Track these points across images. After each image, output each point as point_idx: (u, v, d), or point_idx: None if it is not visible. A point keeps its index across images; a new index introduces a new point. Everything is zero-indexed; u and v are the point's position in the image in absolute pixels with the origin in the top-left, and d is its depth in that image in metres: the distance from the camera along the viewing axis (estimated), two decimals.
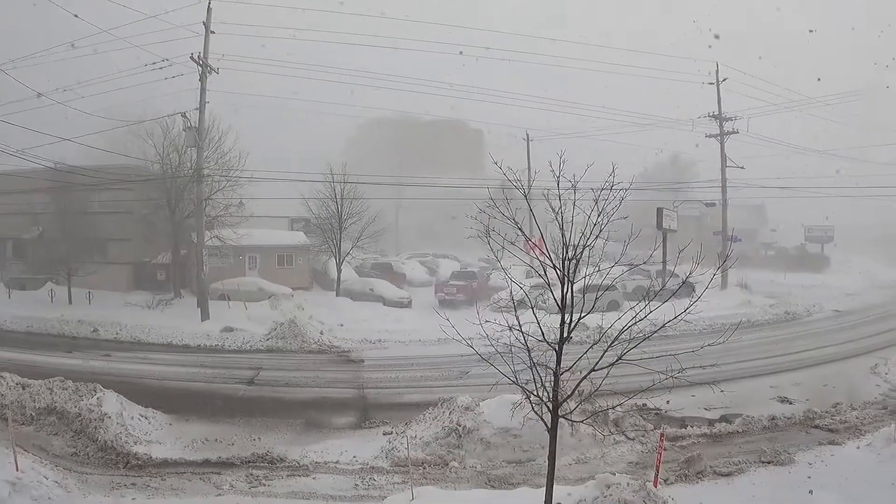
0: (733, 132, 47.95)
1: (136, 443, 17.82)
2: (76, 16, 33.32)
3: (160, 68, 35.16)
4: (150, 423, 19.07)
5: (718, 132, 48.39)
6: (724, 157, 48.77)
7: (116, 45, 35.19)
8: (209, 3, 34.97)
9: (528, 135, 54.60)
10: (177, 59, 34.94)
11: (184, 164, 39.57)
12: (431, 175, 59.38)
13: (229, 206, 40.46)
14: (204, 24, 35.18)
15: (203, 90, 35.65)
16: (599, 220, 10.68)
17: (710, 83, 48.15)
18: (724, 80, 47.83)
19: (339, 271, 43.72)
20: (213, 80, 36.01)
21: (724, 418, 20.00)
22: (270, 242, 47.27)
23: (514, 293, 11.85)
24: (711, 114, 48.24)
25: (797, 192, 49.88)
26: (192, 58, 34.91)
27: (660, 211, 43.34)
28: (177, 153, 39.87)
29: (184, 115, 35.91)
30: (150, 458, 17.08)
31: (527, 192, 11.39)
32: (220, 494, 15.19)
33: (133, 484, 15.66)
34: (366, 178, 43.69)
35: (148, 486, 15.61)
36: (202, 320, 35.03)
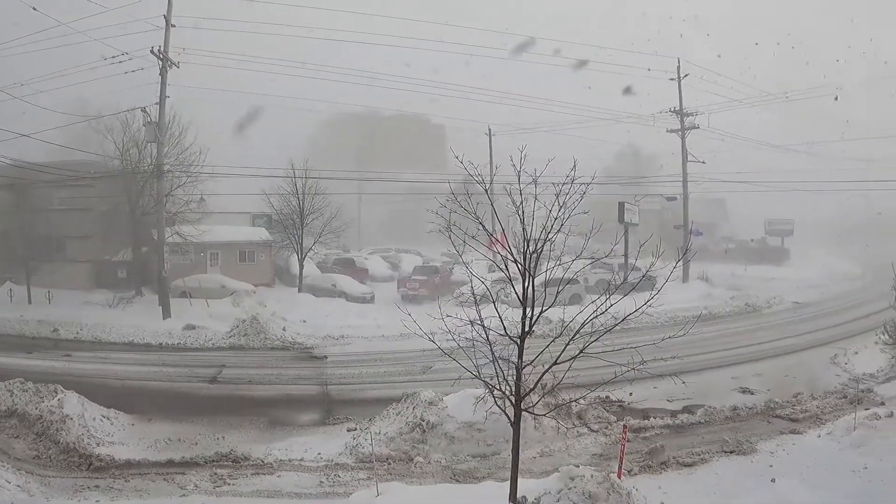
0: (694, 127, 48.54)
1: (98, 444, 17.54)
2: (34, 8, 32.76)
3: (120, 62, 34.77)
4: (112, 424, 18.78)
5: (679, 127, 48.91)
6: (685, 152, 49.34)
7: (75, 38, 34.57)
8: None
9: (490, 129, 54.72)
10: (137, 52, 34.56)
11: (144, 160, 39.09)
12: (394, 170, 59.33)
13: (190, 203, 40.05)
14: (165, 17, 34.79)
15: (163, 84, 35.22)
16: (560, 214, 10.74)
17: (672, 79, 48.70)
18: (686, 75, 48.42)
19: (302, 267, 43.47)
20: (174, 74, 35.65)
21: (687, 409, 20.24)
22: (232, 239, 46.87)
23: (475, 288, 11.86)
24: (672, 109, 48.75)
25: (757, 186, 50.69)
26: (152, 51, 34.49)
27: (621, 205, 43.79)
28: (137, 149, 39.39)
29: (144, 110, 35.53)
30: (113, 459, 16.81)
31: (488, 187, 11.40)
32: (184, 495, 14.99)
33: (97, 486, 15.41)
34: (328, 172, 43.53)
35: (111, 487, 15.37)
36: (164, 318, 34.65)
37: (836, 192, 53.73)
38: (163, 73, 34.99)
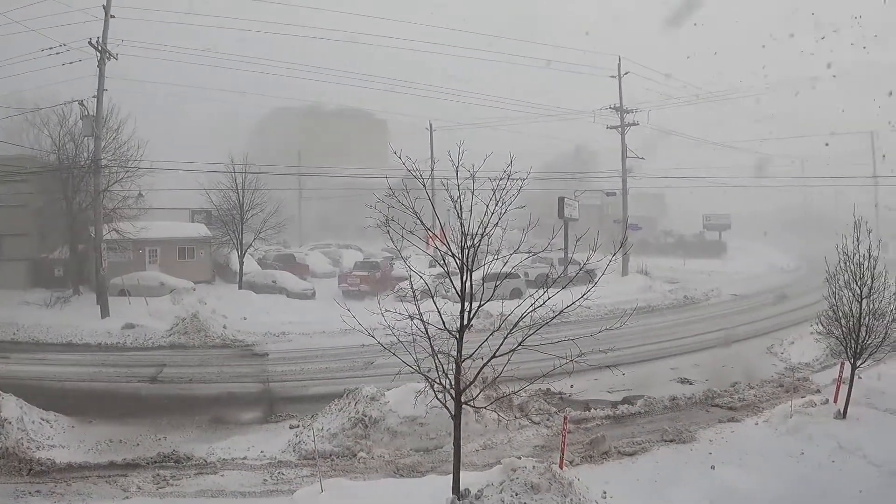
0: (634, 124, 49.18)
1: (38, 448, 17.11)
2: None
3: (57, 53, 33.93)
4: (52, 427, 18.34)
5: (620, 124, 49.54)
6: (624, 148, 49.98)
7: (11, 28, 33.74)
8: None
9: (430, 125, 54.76)
10: (75, 44, 33.78)
11: (81, 155, 38.22)
12: (334, 165, 59.01)
13: (128, 198, 39.27)
14: (104, 7, 34.06)
15: (101, 77, 34.44)
16: (498, 208, 10.84)
17: (613, 76, 49.26)
18: (626, 73, 49.03)
19: (242, 264, 42.82)
20: (113, 66, 34.91)
21: (627, 400, 20.60)
22: (171, 235, 46.13)
23: (415, 283, 11.93)
24: (612, 106, 49.32)
25: (695, 181, 51.70)
26: (90, 43, 33.73)
27: (561, 200, 44.28)
28: (73, 143, 38.46)
29: (81, 103, 34.71)
30: (54, 463, 16.44)
31: (426, 182, 11.45)
32: (127, 497, 14.77)
33: (38, 491, 15.06)
34: (268, 167, 43.13)
35: (53, 492, 15.04)
36: (102, 317, 33.91)
37: (772, 188, 55.21)
38: (101, 65, 34.24)
